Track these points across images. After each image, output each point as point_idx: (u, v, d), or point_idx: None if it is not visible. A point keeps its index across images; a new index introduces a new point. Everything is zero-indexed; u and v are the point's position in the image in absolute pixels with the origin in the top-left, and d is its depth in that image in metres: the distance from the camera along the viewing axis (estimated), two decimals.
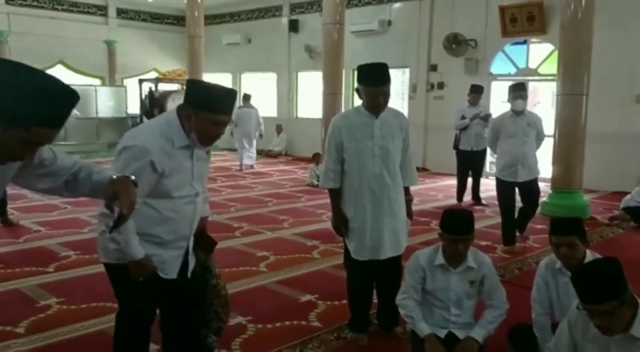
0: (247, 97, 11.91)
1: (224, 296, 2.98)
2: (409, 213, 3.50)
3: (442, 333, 3.01)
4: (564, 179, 7.27)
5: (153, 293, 2.45)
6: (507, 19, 10.14)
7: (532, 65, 10.33)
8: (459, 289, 3.02)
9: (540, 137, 5.79)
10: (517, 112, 5.58)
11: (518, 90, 5.65)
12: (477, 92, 7.89)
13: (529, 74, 10.25)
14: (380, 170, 3.29)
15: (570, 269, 2.95)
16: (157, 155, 2.27)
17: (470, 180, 8.09)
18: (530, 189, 5.65)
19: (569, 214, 4.53)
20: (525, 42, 10.37)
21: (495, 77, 10.71)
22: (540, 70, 10.21)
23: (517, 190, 5.68)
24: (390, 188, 3.32)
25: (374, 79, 3.21)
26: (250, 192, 9.03)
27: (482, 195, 8.04)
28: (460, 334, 3.01)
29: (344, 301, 3.73)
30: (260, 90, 14.68)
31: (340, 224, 3.36)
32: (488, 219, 7.00)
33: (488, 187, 8.16)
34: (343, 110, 10.91)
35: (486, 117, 7.61)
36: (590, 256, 2.97)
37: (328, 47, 10.16)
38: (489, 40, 10.64)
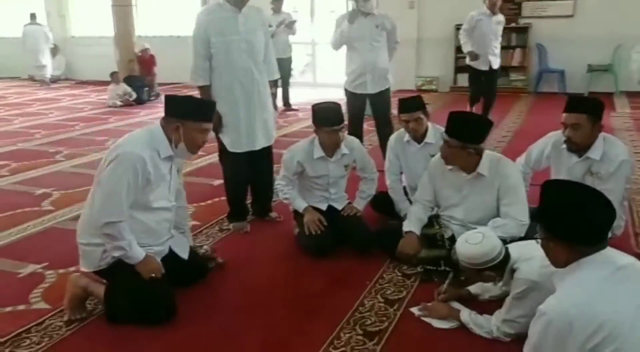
0: (33, 16, 12.12)
1: None
2: (275, 106, 3.74)
3: (324, 206, 3.44)
4: None
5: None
6: None
7: None
8: (337, 173, 3.42)
9: (392, 41, 4.91)
10: (364, 13, 4.65)
11: None
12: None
13: None
14: (248, 64, 3.42)
15: (415, 140, 3.56)
16: (149, 164, 2.43)
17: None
18: (380, 102, 4.86)
19: None
20: None
21: None
22: None
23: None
24: (259, 82, 3.49)
25: None
26: (47, 119, 8.22)
27: (291, 101, 8.52)
28: (339, 205, 3.48)
29: (210, 201, 3.91)
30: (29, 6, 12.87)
31: (217, 120, 3.45)
32: (302, 122, 7.53)
33: (295, 94, 8.74)
34: (135, 23, 10.36)
35: (291, 24, 7.94)
36: (431, 127, 3.59)
37: None
38: None
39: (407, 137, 3.63)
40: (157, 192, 2.55)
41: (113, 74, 9.45)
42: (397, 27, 4.85)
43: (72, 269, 3.04)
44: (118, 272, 2.53)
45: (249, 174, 3.62)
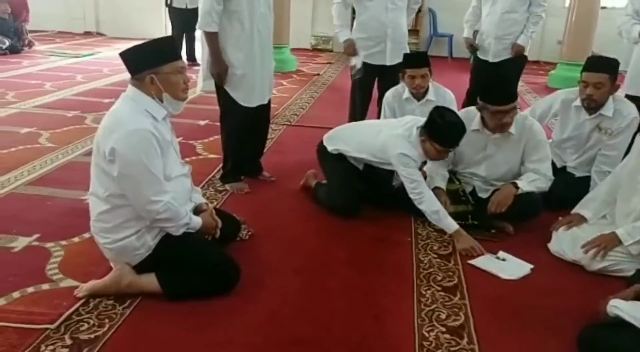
0: None
1: None
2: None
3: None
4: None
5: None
6: None
7: None
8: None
9: (414, 1, 4.20)
10: None
11: None
12: None
13: None
14: (264, 9, 3.15)
15: (415, 97, 3.58)
16: (156, 133, 2.11)
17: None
18: (394, 76, 3.81)
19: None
20: None
21: None
22: None
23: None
24: (271, 30, 3.24)
25: None
26: None
27: (198, 55, 7.99)
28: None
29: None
30: None
31: (224, 70, 3.12)
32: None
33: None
34: None
35: None
36: (432, 85, 3.62)
37: None
38: None
39: (406, 94, 3.63)
40: (170, 161, 2.26)
41: None
42: None
43: (76, 239, 2.65)
44: (166, 254, 2.23)
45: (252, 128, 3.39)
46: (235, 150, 3.37)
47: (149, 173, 2.08)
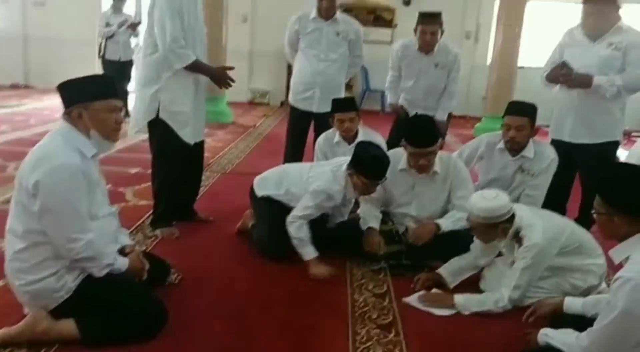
0: None
1: None
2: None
3: None
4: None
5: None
6: None
7: None
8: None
9: (356, 53, 4.29)
10: (324, 16, 4.09)
11: None
12: None
13: None
14: (200, 52, 3.22)
15: (346, 140, 3.65)
16: (84, 169, 2.04)
17: None
18: (325, 124, 3.86)
19: None
20: None
21: None
22: None
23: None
24: None
25: None
26: None
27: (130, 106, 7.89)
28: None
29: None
30: None
31: (222, 71, 3.29)
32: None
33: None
34: None
35: (134, 26, 7.43)
36: (361, 128, 3.71)
37: None
38: None
39: (337, 138, 3.70)
40: (97, 200, 2.18)
41: None
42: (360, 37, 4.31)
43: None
44: (88, 296, 2.10)
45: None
46: (170, 191, 3.30)
47: (72, 209, 1.99)
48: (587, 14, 3.30)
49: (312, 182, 3.00)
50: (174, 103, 3.14)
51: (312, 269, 2.84)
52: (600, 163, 3.24)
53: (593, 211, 1.95)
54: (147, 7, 3.15)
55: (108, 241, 2.20)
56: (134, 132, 3.36)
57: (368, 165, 2.85)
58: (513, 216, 2.51)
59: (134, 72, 7.15)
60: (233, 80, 3.25)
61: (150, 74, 3.14)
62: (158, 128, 3.18)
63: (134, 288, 2.21)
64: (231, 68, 3.36)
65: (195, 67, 3.12)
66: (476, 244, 2.80)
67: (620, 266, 1.86)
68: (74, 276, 2.09)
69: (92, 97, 2.10)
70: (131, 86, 7.72)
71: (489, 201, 2.48)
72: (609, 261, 2.14)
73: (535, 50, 8.94)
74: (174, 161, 3.23)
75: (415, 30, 4.12)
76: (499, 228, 2.51)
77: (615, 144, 3.47)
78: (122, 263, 2.20)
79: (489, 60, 8.99)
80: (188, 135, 3.21)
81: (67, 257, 2.03)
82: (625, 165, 2.11)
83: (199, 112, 3.30)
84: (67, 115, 2.11)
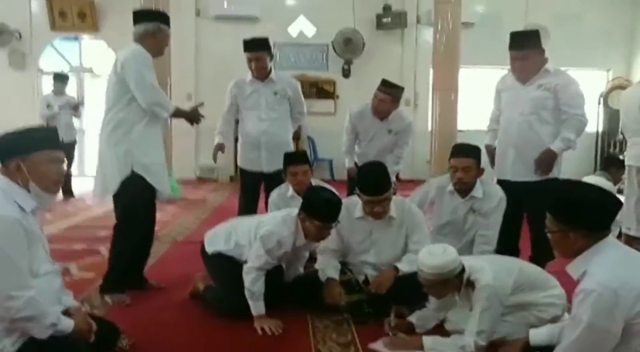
0: None
1: None
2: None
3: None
4: None
5: None
6: (56, 12, 9.86)
7: (86, 63, 10.31)
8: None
9: (297, 110, 4.30)
10: (258, 77, 4.12)
11: None
12: (61, 81, 7.52)
13: (83, 71, 10.21)
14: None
15: (299, 194, 3.63)
16: (24, 223, 1.93)
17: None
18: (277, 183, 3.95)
19: None
20: (76, 38, 10.27)
21: (45, 72, 10.16)
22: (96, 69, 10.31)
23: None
24: None
25: None
26: None
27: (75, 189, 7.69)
28: None
29: None
30: None
31: (194, 110, 3.40)
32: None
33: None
34: None
35: (77, 106, 7.41)
36: (314, 183, 3.71)
37: None
38: (36, 33, 10.05)
39: (290, 191, 3.70)
40: (39, 256, 2.07)
41: None
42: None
43: None
44: None
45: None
46: (129, 255, 3.21)
47: (10, 264, 1.86)
48: (513, 60, 3.49)
49: (261, 227, 2.93)
50: (147, 155, 3.16)
51: (258, 322, 2.78)
52: (543, 205, 3.32)
53: (546, 230, 1.98)
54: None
55: (51, 301, 2.05)
56: (104, 197, 3.33)
57: (320, 208, 2.81)
58: (463, 270, 2.47)
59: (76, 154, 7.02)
60: (203, 116, 3.37)
61: (118, 133, 3.12)
62: (131, 185, 3.13)
63: (80, 350, 2.05)
64: (201, 104, 3.45)
65: (176, 113, 3.26)
66: (432, 300, 2.74)
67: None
68: (13, 339, 1.92)
69: (30, 148, 2.02)
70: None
71: (437, 257, 2.43)
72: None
73: (474, 114, 9.38)
74: (141, 221, 3.21)
75: (375, 96, 4.23)
76: (450, 284, 2.47)
77: (555, 182, 3.58)
78: (67, 324, 2.03)
79: (429, 126, 9.33)
80: (164, 187, 3.26)
81: (6, 318, 1.87)
82: (570, 182, 2.17)
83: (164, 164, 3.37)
84: (5, 168, 2.02)
